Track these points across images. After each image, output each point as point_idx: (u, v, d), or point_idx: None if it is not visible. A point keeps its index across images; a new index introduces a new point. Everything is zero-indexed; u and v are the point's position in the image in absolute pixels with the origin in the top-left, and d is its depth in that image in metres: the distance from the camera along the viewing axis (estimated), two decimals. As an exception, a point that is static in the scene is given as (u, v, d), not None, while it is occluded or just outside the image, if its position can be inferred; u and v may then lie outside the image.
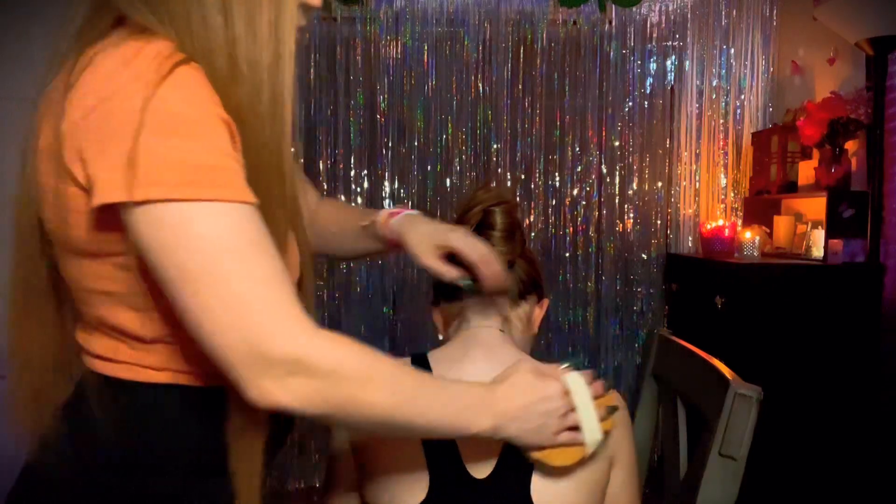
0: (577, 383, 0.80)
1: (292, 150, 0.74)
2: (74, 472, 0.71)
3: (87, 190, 0.62)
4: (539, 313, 1.07)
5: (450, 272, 0.92)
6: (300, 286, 0.78)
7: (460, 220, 1.01)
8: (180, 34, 0.64)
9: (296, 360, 0.62)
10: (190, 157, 0.60)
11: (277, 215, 0.70)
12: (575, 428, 0.80)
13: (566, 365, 0.82)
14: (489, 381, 0.79)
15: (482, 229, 0.99)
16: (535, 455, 0.81)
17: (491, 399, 0.75)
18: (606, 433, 0.83)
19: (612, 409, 0.84)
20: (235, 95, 0.65)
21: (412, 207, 2.80)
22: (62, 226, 0.67)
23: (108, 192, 0.60)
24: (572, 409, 0.79)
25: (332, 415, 0.66)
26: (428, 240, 0.92)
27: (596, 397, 0.82)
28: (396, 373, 0.69)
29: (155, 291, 0.65)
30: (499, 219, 0.98)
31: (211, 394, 0.70)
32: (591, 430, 0.80)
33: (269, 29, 0.66)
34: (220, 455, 0.70)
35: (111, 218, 0.62)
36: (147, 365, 0.71)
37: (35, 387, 0.74)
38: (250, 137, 0.66)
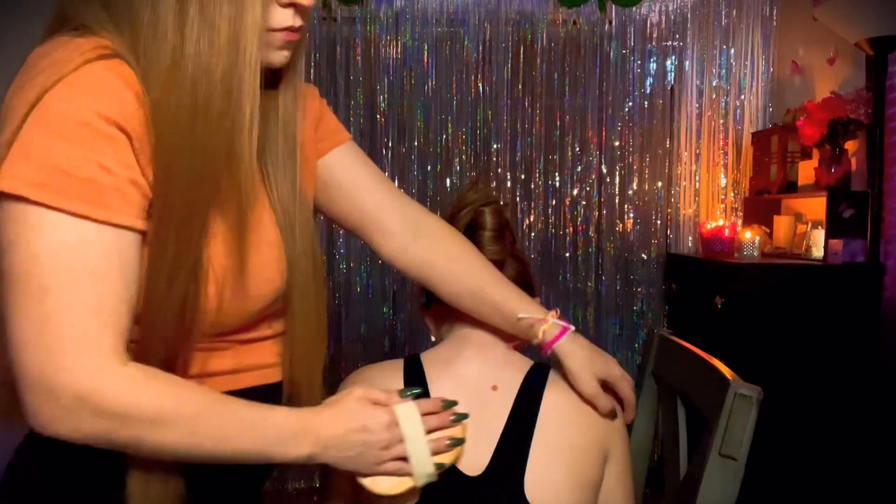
0: (408, 414, 0.77)
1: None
2: (42, 478, 0.73)
3: None
4: None
5: (607, 406, 0.93)
6: (290, 301, 0.78)
7: (450, 221, 1.00)
8: (127, 30, 0.63)
9: (81, 396, 0.59)
10: (60, 161, 0.58)
11: (231, 218, 0.69)
12: (404, 458, 0.77)
13: (407, 394, 0.79)
14: (322, 403, 0.77)
15: (472, 229, 0.99)
16: (360, 480, 0.78)
17: (311, 425, 0.72)
18: (440, 466, 0.79)
19: (457, 442, 0.80)
20: (177, 98, 0.62)
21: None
22: None
23: None
24: (401, 441, 0.76)
25: (119, 449, 0.64)
26: (591, 368, 0.93)
27: (437, 429, 0.79)
28: (200, 412, 0.65)
29: None
30: (488, 219, 0.99)
31: None
32: (420, 463, 0.77)
33: (227, 34, 0.64)
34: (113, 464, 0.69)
35: None
36: None
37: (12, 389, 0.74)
38: (198, 140, 0.64)
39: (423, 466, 0.77)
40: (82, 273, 0.60)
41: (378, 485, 0.78)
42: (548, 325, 0.93)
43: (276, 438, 0.70)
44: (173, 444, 0.65)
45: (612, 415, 0.94)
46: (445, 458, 0.79)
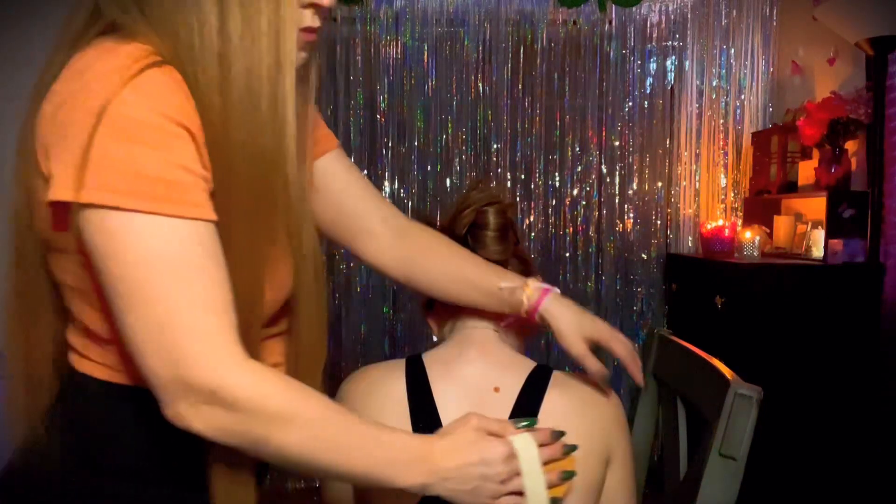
0: (526, 446, 0.74)
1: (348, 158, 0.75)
2: (52, 472, 0.71)
3: (46, 184, 0.62)
4: None
5: (596, 367, 0.93)
6: (295, 300, 0.78)
7: (454, 221, 1.00)
8: (170, 37, 0.63)
9: (213, 390, 0.61)
10: (142, 166, 0.59)
11: (277, 224, 0.70)
12: (520, 493, 0.74)
13: (521, 424, 0.77)
14: (434, 434, 0.74)
15: (475, 229, 0.99)
16: None
17: (427, 454, 0.70)
18: (555, 500, 0.76)
19: (568, 475, 0.77)
20: (226, 97, 0.63)
21: (413, 208, 2.84)
22: (36, 219, 0.67)
23: (60, 189, 0.59)
24: (517, 474, 0.73)
25: (246, 448, 0.65)
26: (578, 331, 0.92)
27: (550, 461, 0.76)
28: (322, 417, 0.66)
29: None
30: (492, 218, 0.98)
31: None
32: (537, 498, 0.74)
33: (267, 31, 0.64)
34: (176, 466, 0.70)
35: (67, 213, 0.62)
36: (109, 364, 0.70)
37: (32, 386, 0.74)
38: (246, 144, 0.64)
39: (540, 500, 0.75)
40: (187, 271, 0.61)
41: None
42: (529, 289, 0.93)
43: (391, 460, 0.69)
44: (297, 446, 0.64)
45: (605, 383, 0.94)
46: (558, 492, 0.77)
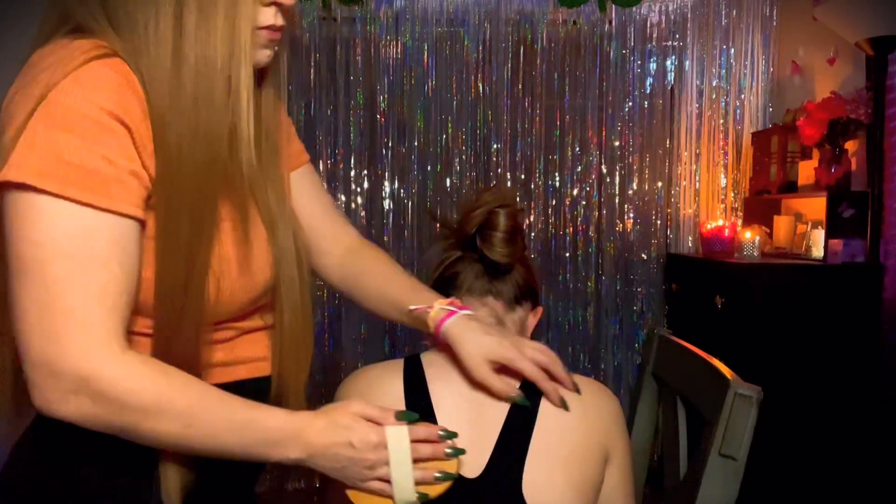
0: (397, 439, 0.76)
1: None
2: (39, 467, 0.74)
3: None
4: (533, 321, 1.07)
5: (504, 390, 0.89)
6: (277, 290, 0.80)
7: (464, 220, 1.00)
8: (128, 33, 0.66)
9: (81, 379, 0.62)
10: (65, 152, 0.61)
11: (230, 206, 0.72)
12: (388, 480, 0.76)
13: (403, 417, 0.78)
14: (319, 410, 0.77)
15: (485, 230, 0.99)
16: (347, 491, 0.78)
17: (300, 432, 0.73)
18: (423, 496, 0.77)
19: (447, 476, 0.78)
20: (177, 88, 0.66)
21: (413, 208, 2.84)
22: None
23: None
24: (386, 463, 0.75)
25: (116, 433, 0.66)
26: (480, 354, 0.88)
27: (428, 458, 0.77)
28: (194, 405, 0.67)
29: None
30: (502, 220, 0.98)
31: None
32: (402, 490, 0.76)
33: (223, 27, 0.67)
34: (136, 456, 0.71)
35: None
36: None
37: (20, 381, 0.75)
38: (194, 132, 0.67)
39: (405, 493, 0.76)
40: (85, 260, 0.62)
41: (360, 499, 0.78)
42: (434, 310, 0.92)
43: (265, 440, 0.72)
44: (167, 434, 0.66)
45: (515, 397, 0.88)
46: (430, 490, 0.78)
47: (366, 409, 0.77)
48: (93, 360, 0.62)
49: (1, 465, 0.78)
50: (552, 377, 0.90)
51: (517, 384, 0.91)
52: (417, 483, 0.77)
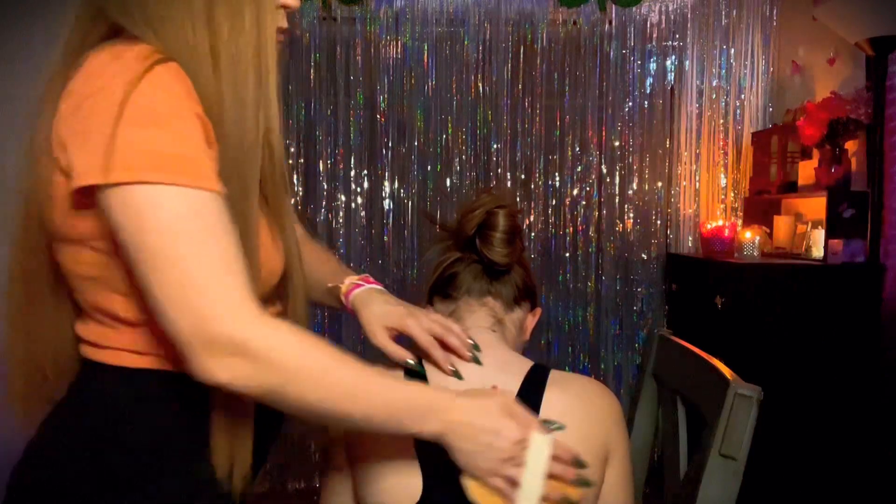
0: (540, 446, 0.75)
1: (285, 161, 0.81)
2: (69, 453, 0.75)
3: (68, 176, 0.68)
4: (531, 322, 1.08)
5: (397, 354, 0.93)
6: (286, 279, 0.84)
7: (463, 220, 1.01)
8: (167, 38, 0.71)
9: (234, 341, 0.66)
10: (162, 146, 0.67)
11: (269, 192, 0.78)
12: (515, 482, 0.75)
13: (553, 427, 0.78)
14: (462, 390, 0.79)
15: (484, 230, 0.99)
16: (467, 481, 0.77)
17: (447, 406, 0.75)
18: None
19: (565, 501, 0.77)
20: (219, 85, 0.72)
21: (413, 208, 2.84)
22: (50, 213, 0.73)
23: (87, 175, 0.66)
24: (521, 464, 0.75)
25: (266, 399, 0.69)
26: (378, 321, 0.95)
27: (557, 476, 0.76)
28: (336, 367, 0.71)
29: (133, 273, 0.70)
30: (501, 221, 0.99)
31: (189, 380, 0.73)
32: (529, 497, 0.75)
33: (251, 24, 0.73)
34: (198, 439, 0.75)
35: (87, 203, 0.69)
36: (131, 349, 0.75)
37: (32, 377, 0.80)
38: (235, 124, 0.72)
39: (530, 501, 0.75)
40: (203, 235, 0.67)
41: (479, 495, 0.77)
42: (344, 284, 0.99)
43: (407, 407, 0.74)
44: (314, 394, 0.70)
45: (410, 362, 0.92)
46: None
47: (515, 405, 0.78)
48: (238, 322, 0.66)
49: (14, 460, 0.80)
50: (447, 347, 0.93)
51: (452, 360, 0.93)
52: (542, 499, 0.75)
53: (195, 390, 0.71)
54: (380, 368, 0.74)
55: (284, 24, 0.79)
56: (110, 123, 0.65)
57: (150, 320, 0.72)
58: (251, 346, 0.66)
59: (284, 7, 0.79)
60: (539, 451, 0.75)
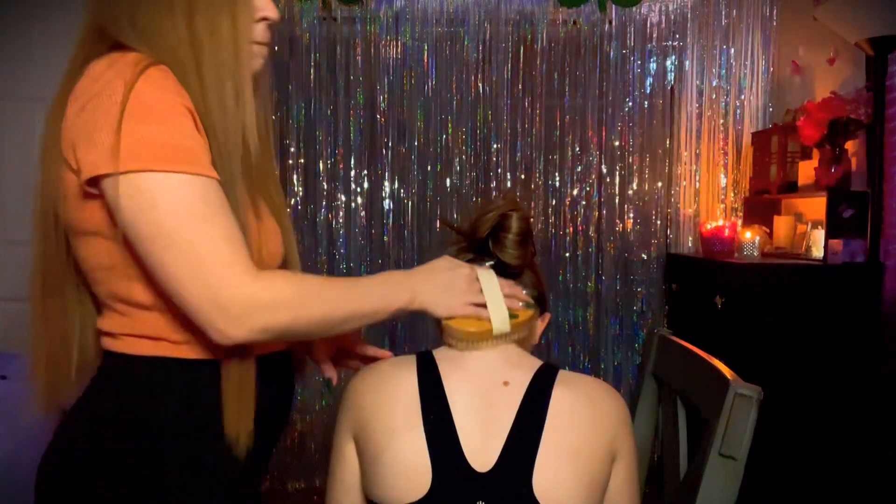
0: (487, 275, 0.95)
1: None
2: (91, 441, 0.83)
3: (78, 172, 0.76)
4: (541, 326, 1.08)
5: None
6: (286, 265, 0.93)
7: (476, 223, 1.02)
8: (157, 47, 0.80)
9: (244, 301, 0.76)
10: (165, 138, 0.75)
11: (244, 185, 0.84)
12: (483, 306, 0.94)
13: (484, 263, 0.97)
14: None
15: (497, 232, 1.00)
16: (448, 322, 0.93)
17: (410, 274, 0.92)
18: (516, 316, 0.95)
19: (528, 305, 0.98)
20: (203, 88, 0.80)
21: (413, 208, 2.84)
22: (64, 209, 0.80)
23: (97, 166, 0.74)
24: (479, 292, 0.94)
25: (287, 333, 0.81)
26: None
27: (510, 296, 0.96)
28: (324, 285, 0.85)
29: (143, 256, 0.77)
30: (514, 223, 1.00)
31: (199, 367, 0.83)
32: (497, 310, 0.93)
33: (228, 35, 0.82)
34: (208, 422, 0.82)
35: (96, 196, 0.77)
36: (146, 334, 0.83)
37: (52, 365, 0.87)
38: (218, 121, 0.80)
39: (499, 312, 0.93)
40: (209, 216, 0.76)
41: (465, 324, 0.94)
42: None
43: (385, 289, 0.90)
44: (318, 313, 0.82)
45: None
46: (518, 313, 0.96)
47: (454, 259, 0.98)
48: (244, 284, 0.76)
49: (42, 448, 0.86)
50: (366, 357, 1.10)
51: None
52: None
53: (204, 375, 0.82)
54: (344, 277, 0.89)
55: (265, 38, 0.88)
56: (115, 119, 0.73)
57: (163, 304, 0.81)
58: (258, 299, 0.76)
59: (265, 20, 0.87)
60: (489, 279, 0.95)
